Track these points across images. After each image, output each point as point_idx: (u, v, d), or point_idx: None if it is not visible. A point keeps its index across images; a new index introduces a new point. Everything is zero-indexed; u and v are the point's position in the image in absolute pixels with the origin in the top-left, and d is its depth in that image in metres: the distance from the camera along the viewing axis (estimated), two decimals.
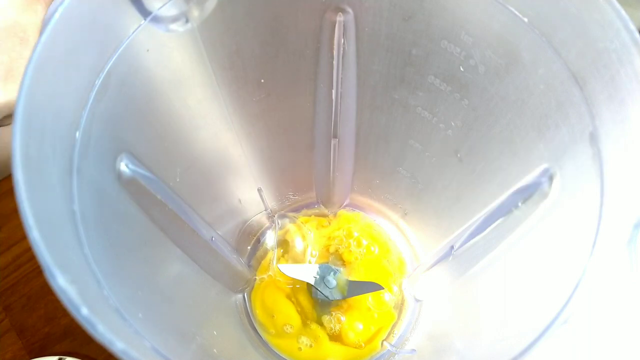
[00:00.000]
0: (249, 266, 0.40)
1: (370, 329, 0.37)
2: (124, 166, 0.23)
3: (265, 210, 0.41)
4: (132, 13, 0.22)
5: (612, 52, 0.18)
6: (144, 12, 0.22)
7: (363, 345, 0.36)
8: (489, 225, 0.28)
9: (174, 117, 0.28)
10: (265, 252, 0.41)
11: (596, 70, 0.19)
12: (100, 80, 0.21)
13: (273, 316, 0.37)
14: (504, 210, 0.27)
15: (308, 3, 0.26)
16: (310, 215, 0.43)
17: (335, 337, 0.37)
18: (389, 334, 0.37)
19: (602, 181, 0.20)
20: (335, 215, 0.42)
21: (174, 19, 0.24)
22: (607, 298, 0.17)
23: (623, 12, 0.18)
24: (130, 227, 0.25)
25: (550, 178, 0.23)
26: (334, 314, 0.37)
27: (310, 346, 0.36)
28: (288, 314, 0.37)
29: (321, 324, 0.37)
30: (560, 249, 0.22)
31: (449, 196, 0.35)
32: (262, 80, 0.31)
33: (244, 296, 0.39)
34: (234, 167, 0.36)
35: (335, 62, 0.29)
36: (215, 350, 0.30)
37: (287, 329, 0.37)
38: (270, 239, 0.41)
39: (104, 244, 0.21)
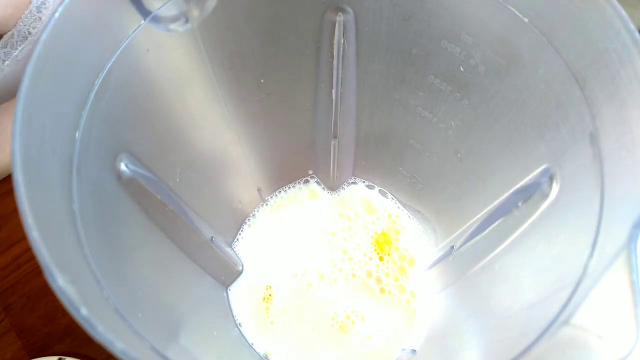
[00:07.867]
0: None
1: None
2: (123, 166, 0.23)
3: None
4: (132, 13, 0.22)
5: (613, 52, 0.18)
6: (144, 12, 0.22)
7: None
8: (489, 226, 0.28)
9: (173, 117, 0.28)
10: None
11: (596, 70, 0.19)
12: (100, 80, 0.21)
13: None
14: (504, 210, 0.27)
15: (308, 3, 0.26)
16: None
17: None
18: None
19: (603, 181, 0.20)
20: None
21: (174, 19, 0.24)
22: (607, 298, 0.17)
23: (623, 11, 0.18)
24: (129, 227, 0.25)
25: (551, 178, 0.23)
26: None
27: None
28: None
29: None
30: (561, 249, 0.22)
31: (449, 196, 0.35)
32: (262, 80, 0.31)
33: None
34: (234, 167, 0.36)
35: (335, 62, 0.29)
36: (215, 350, 0.30)
37: None
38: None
39: (103, 244, 0.21)
